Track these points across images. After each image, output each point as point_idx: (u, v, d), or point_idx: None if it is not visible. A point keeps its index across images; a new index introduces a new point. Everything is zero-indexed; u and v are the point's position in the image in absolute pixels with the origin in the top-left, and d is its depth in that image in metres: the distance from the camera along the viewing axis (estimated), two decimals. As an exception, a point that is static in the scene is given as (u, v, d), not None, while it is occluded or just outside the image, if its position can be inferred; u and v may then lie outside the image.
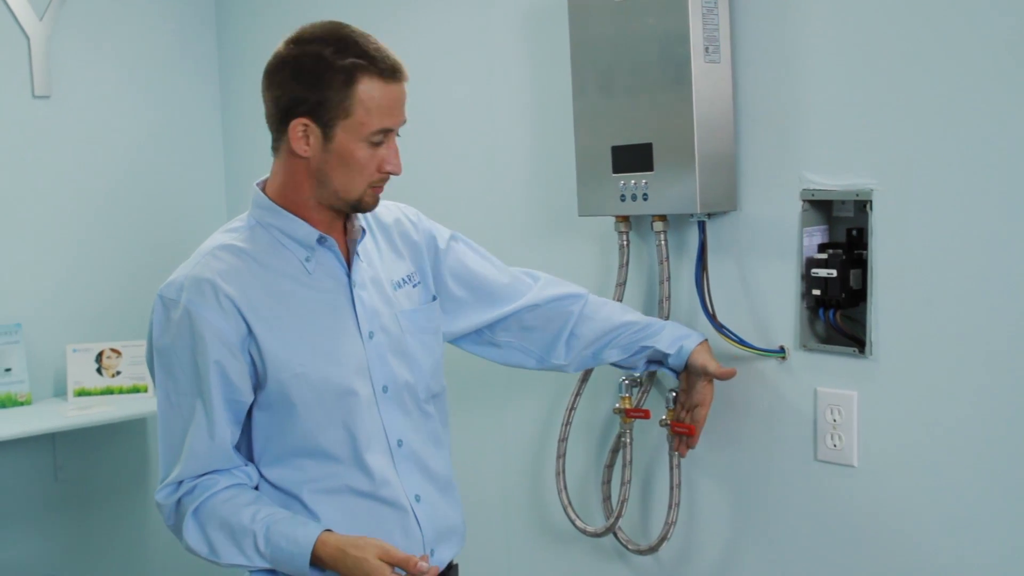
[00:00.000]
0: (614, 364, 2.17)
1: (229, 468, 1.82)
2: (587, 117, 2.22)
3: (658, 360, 2.13)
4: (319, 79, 1.73)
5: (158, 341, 1.80)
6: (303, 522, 1.78)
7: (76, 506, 3.42)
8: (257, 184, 1.88)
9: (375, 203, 1.85)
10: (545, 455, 2.59)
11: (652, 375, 2.29)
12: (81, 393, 3.32)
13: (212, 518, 1.78)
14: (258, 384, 1.81)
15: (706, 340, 2.11)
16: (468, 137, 2.73)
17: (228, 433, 1.80)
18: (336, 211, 1.84)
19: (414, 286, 1.99)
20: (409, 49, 2.83)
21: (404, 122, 1.82)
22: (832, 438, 2.04)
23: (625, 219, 2.27)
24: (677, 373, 2.13)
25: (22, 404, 3.28)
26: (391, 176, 1.84)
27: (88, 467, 3.44)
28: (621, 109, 2.15)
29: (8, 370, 3.26)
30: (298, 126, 1.75)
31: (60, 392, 3.39)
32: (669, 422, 2.19)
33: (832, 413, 2.04)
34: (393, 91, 1.78)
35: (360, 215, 1.90)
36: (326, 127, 1.75)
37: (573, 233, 2.47)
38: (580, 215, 2.27)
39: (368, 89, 1.74)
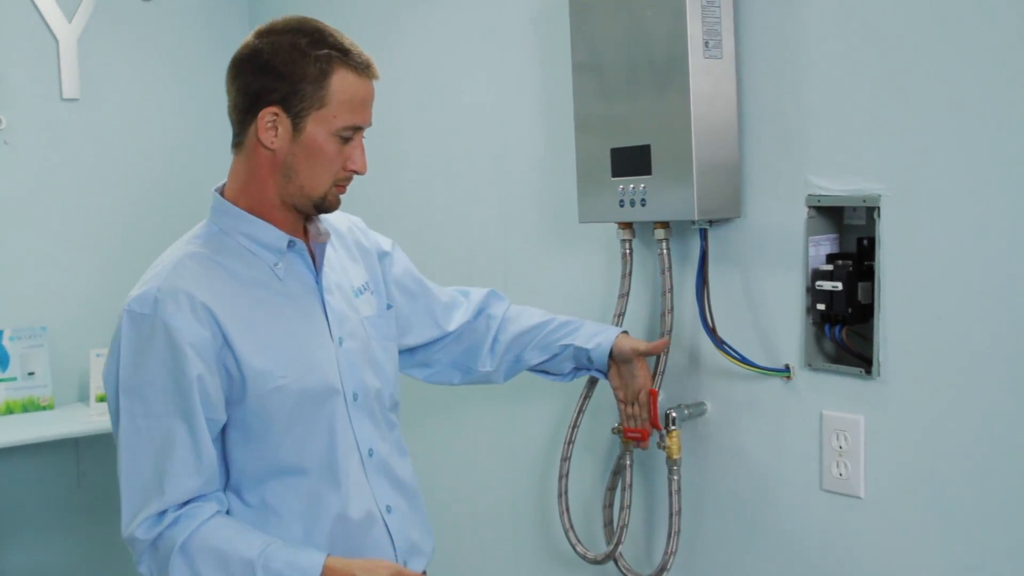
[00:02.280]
0: (541, 372, 2.13)
1: (213, 492, 1.70)
2: (587, 118, 2.10)
3: (585, 365, 2.08)
4: (293, 68, 1.67)
5: (126, 361, 1.65)
6: (303, 548, 1.68)
7: (99, 512, 3.39)
8: (215, 189, 1.79)
9: (338, 203, 1.78)
10: (550, 474, 2.47)
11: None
12: (104, 399, 3.28)
13: (202, 551, 1.63)
14: (232, 401, 1.70)
15: (626, 332, 2.08)
16: (476, 142, 2.63)
17: (214, 452, 1.69)
18: (299, 211, 1.76)
19: (372, 293, 1.91)
20: (417, 50, 2.77)
21: (370, 124, 1.76)
22: (838, 466, 1.88)
23: (628, 226, 2.14)
24: (605, 373, 2.07)
25: (44, 408, 3.26)
26: (355, 176, 1.78)
27: (112, 473, 3.36)
28: (620, 109, 2.03)
29: (31, 374, 3.25)
30: (267, 115, 1.68)
31: (84, 397, 3.37)
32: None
33: (838, 439, 1.88)
34: (366, 87, 1.73)
35: (322, 220, 1.84)
36: (297, 117, 1.68)
37: (579, 241, 2.35)
38: (580, 221, 2.14)
39: (342, 81, 1.69)
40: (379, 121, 2.87)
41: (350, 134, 1.71)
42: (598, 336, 2.05)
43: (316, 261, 1.80)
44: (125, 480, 1.67)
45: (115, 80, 3.37)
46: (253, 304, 1.71)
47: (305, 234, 1.81)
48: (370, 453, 1.81)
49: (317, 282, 1.79)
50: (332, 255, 1.86)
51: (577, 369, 2.10)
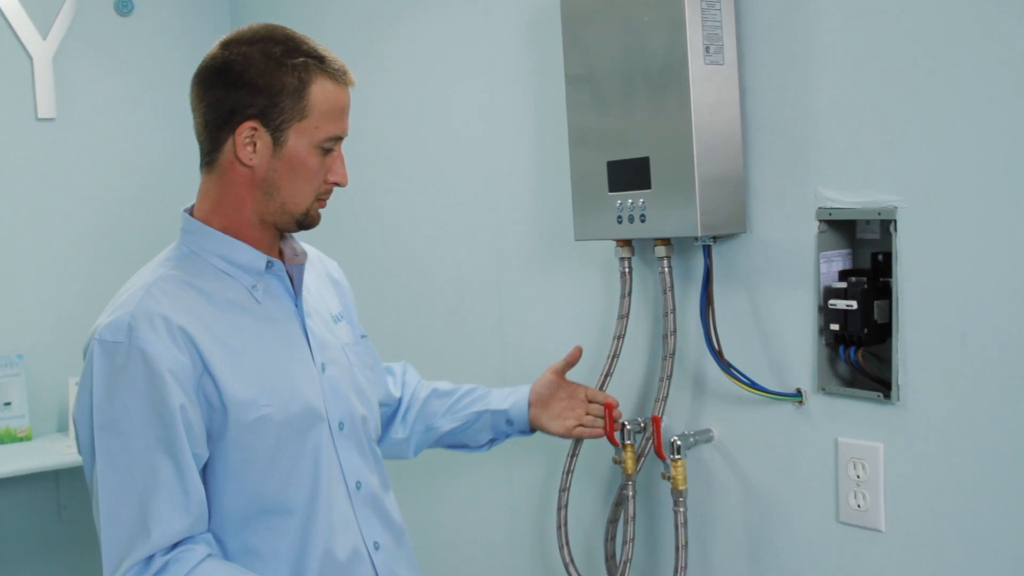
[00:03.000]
0: (456, 446, 2.03)
1: (202, 533, 1.57)
2: (582, 130, 1.99)
3: (504, 430, 1.98)
4: (270, 79, 1.57)
5: (100, 395, 1.52)
6: None
7: (82, 547, 3.26)
8: (185, 210, 1.68)
9: (319, 218, 1.68)
10: (549, 504, 2.34)
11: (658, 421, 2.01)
12: (84, 429, 3.17)
13: None
14: (212, 435, 1.58)
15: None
16: (465, 157, 2.52)
17: (202, 488, 1.56)
18: (278, 228, 1.66)
19: (347, 322, 1.82)
20: (403, 62, 2.67)
21: (348, 134, 1.66)
22: (856, 497, 1.76)
23: (627, 243, 2.03)
24: (529, 430, 1.98)
25: (22, 440, 3.14)
26: (338, 190, 1.69)
27: (93, 506, 3.29)
28: (616, 120, 1.92)
29: (8, 404, 3.13)
30: (245, 130, 1.58)
31: (63, 427, 3.25)
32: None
33: (855, 468, 1.76)
34: (344, 95, 1.64)
35: (297, 241, 1.74)
36: (277, 131, 1.58)
37: (575, 259, 2.23)
38: (576, 239, 2.03)
39: (322, 90, 1.60)
40: (364, 136, 2.78)
41: (332, 145, 1.62)
42: (511, 396, 1.97)
43: (294, 283, 1.69)
44: (106, 525, 1.53)
45: (92, 99, 3.26)
46: (232, 329, 1.60)
47: (281, 255, 1.70)
48: (358, 486, 1.70)
49: (297, 305, 1.68)
50: (308, 280, 1.75)
51: (494, 440, 2.00)
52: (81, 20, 3.22)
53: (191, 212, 1.67)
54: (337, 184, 1.65)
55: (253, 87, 1.56)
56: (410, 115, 2.66)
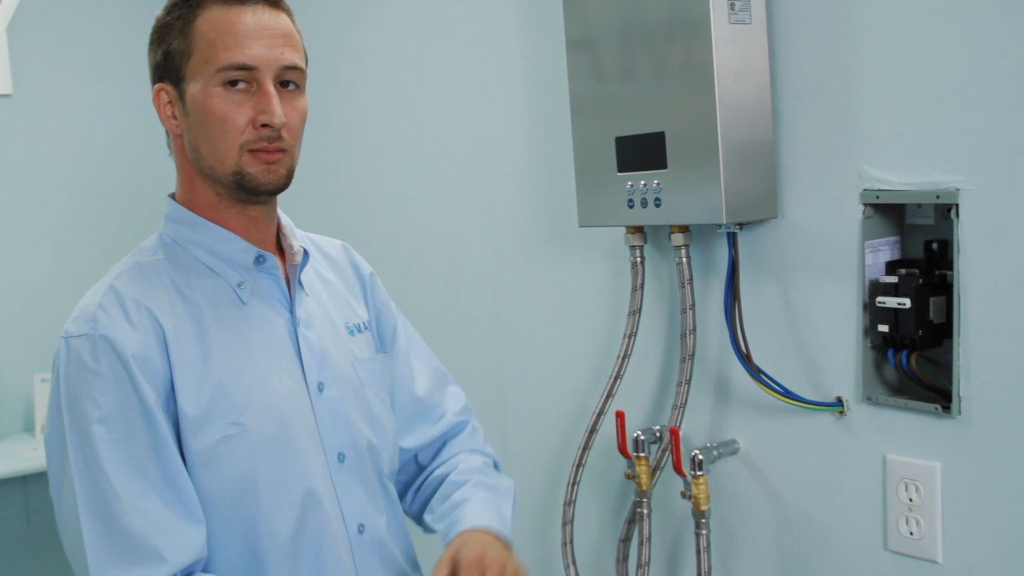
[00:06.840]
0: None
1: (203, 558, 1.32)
2: (586, 101, 1.76)
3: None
4: (161, 29, 1.41)
5: (69, 398, 1.28)
6: None
7: (51, 553, 3.05)
8: (169, 195, 1.45)
9: (266, 176, 1.36)
10: (552, 520, 2.12)
11: (675, 433, 1.78)
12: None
13: None
14: None
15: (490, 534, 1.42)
16: (457, 134, 2.29)
17: (193, 489, 1.31)
18: (235, 199, 1.39)
19: (372, 334, 1.56)
20: (388, 30, 2.44)
21: (283, 65, 1.35)
22: (908, 523, 1.54)
23: (639, 230, 1.80)
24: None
25: (-15, 441, 2.94)
26: (275, 132, 1.35)
27: (64, 510, 3.09)
28: (626, 90, 1.69)
29: (-33, 403, 2.92)
30: (158, 95, 1.40)
31: (29, 427, 3.06)
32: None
33: (907, 490, 1.53)
34: (242, 15, 1.35)
35: (297, 238, 1.47)
36: (177, 83, 1.38)
37: (580, 248, 2.00)
38: (581, 225, 1.80)
39: (208, 19, 1.36)
40: (346, 111, 2.53)
41: (237, 76, 1.33)
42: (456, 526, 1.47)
43: (291, 286, 1.44)
44: (93, 553, 1.26)
45: (51, 72, 3.05)
46: (201, 332, 1.35)
47: (282, 254, 1.45)
48: (360, 529, 1.44)
49: (291, 311, 1.43)
50: (317, 281, 1.50)
51: None
52: (37, -13, 2.98)
53: (175, 196, 1.44)
54: (267, 125, 1.34)
55: (153, 45, 1.42)
56: (395, 88, 2.42)
